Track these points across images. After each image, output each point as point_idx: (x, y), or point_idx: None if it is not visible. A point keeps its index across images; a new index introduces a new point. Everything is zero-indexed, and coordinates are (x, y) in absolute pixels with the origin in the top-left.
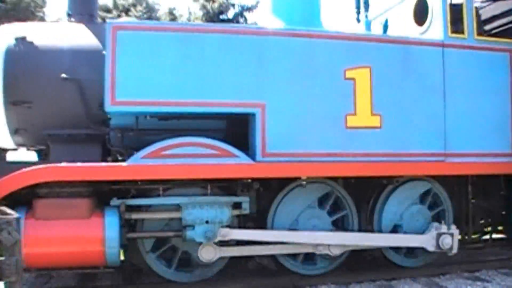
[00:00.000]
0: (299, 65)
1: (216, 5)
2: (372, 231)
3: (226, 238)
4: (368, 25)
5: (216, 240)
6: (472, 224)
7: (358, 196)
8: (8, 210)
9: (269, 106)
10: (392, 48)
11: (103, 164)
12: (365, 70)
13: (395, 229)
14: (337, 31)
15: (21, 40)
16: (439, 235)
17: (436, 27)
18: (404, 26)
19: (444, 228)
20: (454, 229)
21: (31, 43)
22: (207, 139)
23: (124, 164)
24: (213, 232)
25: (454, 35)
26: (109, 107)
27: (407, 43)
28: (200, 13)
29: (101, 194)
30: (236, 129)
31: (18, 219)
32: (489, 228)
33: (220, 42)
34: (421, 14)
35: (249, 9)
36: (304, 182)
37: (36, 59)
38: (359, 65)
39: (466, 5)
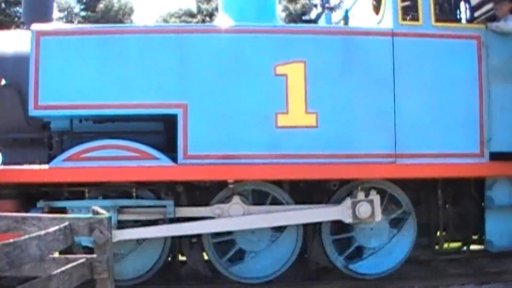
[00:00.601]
0: (224, 62)
1: (298, 6)
2: None
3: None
4: (329, 19)
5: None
6: (444, 232)
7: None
8: (100, 210)
9: (191, 106)
10: (331, 40)
11: (25, 167)
12: (299, 65)
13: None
14: (266, 25)
15: None
16: (355, 203)
17: (388, 15)
18: (365, 17)
19: (360, 195)
20: (374, 195)
21: None
22: (127, 142)
23: (46, 167)
24: None
25: (406, 22)
26: (32, 111)
27: (350, 34)
28: (283, 15)
29: (33, 196)
30: (174, 131)
31: (109, 219)
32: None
33: (140, 42)
34: (378, 3)
35: (331, 8)
36: (231, 186)
37: None
38: (292, 60)
39: None
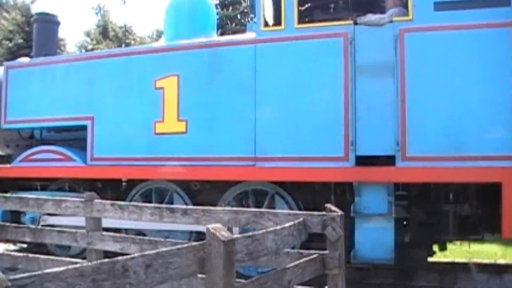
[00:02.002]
0: (119, 81)
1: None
2: None
3: (46, 223)
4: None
5: (39, 225)
6: None
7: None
8: (333, 208)
9: (96, 118)
10: (200, 53)
11: None
12: (173, 79)
13: None
14: (148, 46)
15: None
16: None
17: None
18: None
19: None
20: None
21: None
22: (56, 147)
23: (8, 165)
24: (36, 219)
25: (268, 28)
26: (3, 125)
27: (216, 46)
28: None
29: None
30: None
31: (342, 216)
32: None
33: (65, 69)
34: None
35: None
36: (124, 184)
37: None
38: (168, 74)
39: None
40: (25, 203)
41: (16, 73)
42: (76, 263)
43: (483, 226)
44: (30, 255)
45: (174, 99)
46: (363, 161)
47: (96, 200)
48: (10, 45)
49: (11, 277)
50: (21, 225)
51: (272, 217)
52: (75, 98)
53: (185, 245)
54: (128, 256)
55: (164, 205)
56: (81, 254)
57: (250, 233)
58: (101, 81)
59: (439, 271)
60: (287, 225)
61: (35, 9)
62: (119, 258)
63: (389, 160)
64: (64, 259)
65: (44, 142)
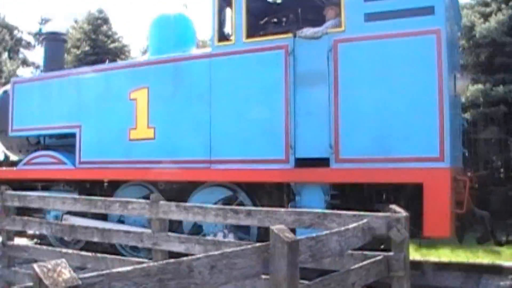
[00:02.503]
0: (101, 93)
1: None
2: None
3: (67, 222)
4: None
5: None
6: None
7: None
8: (397, 209)
9: (83, 126)
10: (166, 67)
11: (3, 168)
12: (144, 90)
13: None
14: (124, 62)
15: None
16: None
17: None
18: None
19: None
20: None
21: None
22: (51, 152)
23: (14, 168)
24: (59, 217)
25: (221, 43)
26: (10, 133)
27: (179, 60)
28: None
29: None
30: None
31: (407, 217)
32: None
33: (58, 84)
34: None
35: None
36: (105, 184)
37: None
38: (140, 86)
39: (234, 9)
40: (93, 204)
41: (21, 87)
42: (142, 263)
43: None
44: (99, 255)
45: (144, 108)
46: (303, 163)
47: (162, 202)
48: (77, 52)
49: (81, 275)
50: (90, 226)
51: (336, 218)
52: (67, 108)
53: (249, 246)
54: (194, 257)
55: (228, 207)
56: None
57: (314, 235)
58: (87, 93)
59: None
60: (351, 226)
61: (104, 15)
62: (185, 258)
63: (325, 162)
64: (130, 259)
65: (47, 147)
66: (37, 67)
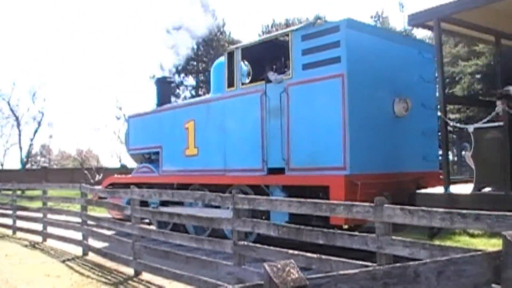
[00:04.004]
0: (171, 124)
1: None
2: None
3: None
4: None
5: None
6: None
7: None
8: None
9: (163, 147)
10: (203, 106)
11: (126, 176)
12: (192, 122)
13: None
14: (183, 102)
15: None
16: None
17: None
18: None
19: None
20: None
21: None
22: (148, 164)
23: (130, 175)
24: (156, 206)
25: (229, 89)
26: (127, 151)
27: (208, 101)
28: None
29: None
30: None
31: None
32: None
33: (151, 118)
34: None
35: None
36: (175, 186)
37: None
38: (190, 119)
39: (235, 65)
40: (318, 207)
41: (133, 120)
42: (366, 266)
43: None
44: (323, 256)
45: (192, 134)
46: (272, 171)
47: (386, 205)
48: None
49: (308, 276)
50: (315, 229)
51: None
52: (155, 135)
53: (479, 252)
54: (420, 262)
55: (454, 210)
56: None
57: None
58: (165, 123)
59: None
60: None
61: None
62: (411, 263)
63: (282, 171)
64: (353, 261)
65: (151, 160)
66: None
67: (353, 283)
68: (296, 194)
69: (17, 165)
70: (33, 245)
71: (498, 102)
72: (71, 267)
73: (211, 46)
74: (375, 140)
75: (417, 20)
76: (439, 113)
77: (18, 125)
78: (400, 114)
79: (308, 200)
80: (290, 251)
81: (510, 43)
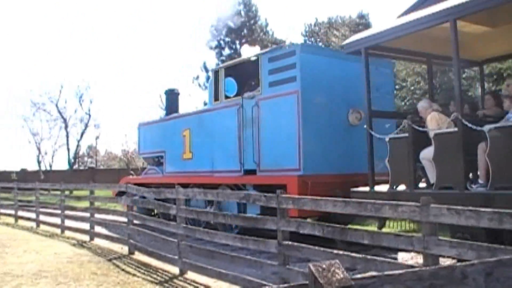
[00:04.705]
0: (171, 132)
1: None
2: None
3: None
4: None
5: None
6: None
7: None
8: None
9: (166, 151)
10: (196, 116)
11: (134, 177)
12: (188, 130)
13: None
14: (181, 113)
15: None
16: None
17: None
18: None
19: None
20: None
21: None
22: (154, 166)
23: (140, 177)
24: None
25: (215, 102)
26: (139, 155)
27: (200, 113)
28: None
29: None
30: None
31: None
32: None
33: (157, 126)
34: None
35: None
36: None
37: None
38: (186, 128)
39: (220, 80)
40: (363, 207)
41: (143, 127)
42: (412, 266)
43: None
44: (368, 256)
45: (188, 141)
46: (247, 172)
47: (433, 205)
48: None
49: (354, 276)
50: (359, 228)
51: None
52: (160, 141)
53: None
54: (468, 263)
55: (504, 210)
56: None
57: None
58: (168, 132)
59: None
60: None
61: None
62: (458, 264)
63: (254, 172)
64: (398, 262)
65: (159, 163)
66: None
67: (399, 283)
68: (265, 191)
69: (65, 166)
70: (81, 244)
71: (408, 116)
72: (117, 266)
73: (254, 46)
74: (329, 145)
75: (349, 48)
76: (365, 126)
77: (66, 126)
78: (353, 123)
79: (353, 200)
80: (335, 251)
81: (442, 62)
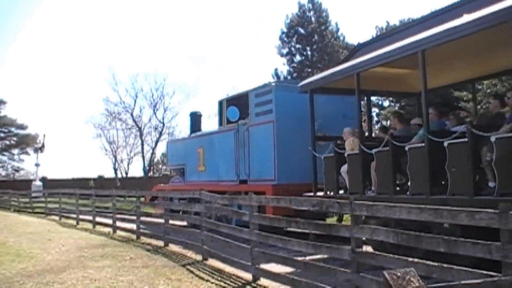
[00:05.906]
0: (190, 148)
1: None
2: None
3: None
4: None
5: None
6: None
7: None
8: None
9: (187, 165)
10: (207, 137)
11: (161, 185)
12: (202, 148)
13: None
14: (196, 134)
15: None
16: None
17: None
18: None
19: None
20: None
21: None
22: (178, 176)
23: (168, 185)
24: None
25: (220, 126)
26: (167, 166)
27: (210, 134)
28: None
29: None
30: None
31: None
32: None
33: (181, 142)
34: None
35: None
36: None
37: None
38: (200, 146)
39: (223, 109)
40: (439, 214)
41: (170, 144)
42: (491, 276)
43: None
44: (444, 265)
45: (202, 157)
46: (242, 182)
47: None
48: None
49: (430, 285)
50: (435, 236)
51: None
52: (182, 155)
53: None
54: None
55: None
56: None
57: None
58: (188, 148)
59: None
60: None
61: None
62: None
63: (246, 181)
64: (476, 270)
65: (182, 173)
66: None
67: None
68: None
69: (140, 173)
70: (156, 250)
71: (333, 142)
72: (191, 271)
73: (325, 52)
74: (296, 162)
75: (301, 89)
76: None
77: (141, 135)
78: (320, 143)
79: (428, 206)
80: (410, 259)
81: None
